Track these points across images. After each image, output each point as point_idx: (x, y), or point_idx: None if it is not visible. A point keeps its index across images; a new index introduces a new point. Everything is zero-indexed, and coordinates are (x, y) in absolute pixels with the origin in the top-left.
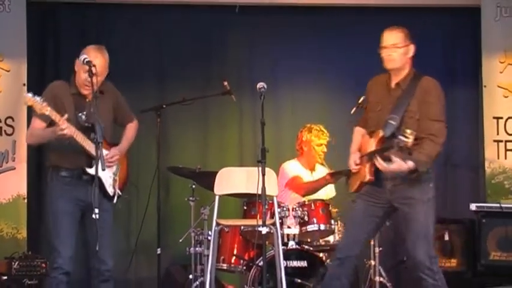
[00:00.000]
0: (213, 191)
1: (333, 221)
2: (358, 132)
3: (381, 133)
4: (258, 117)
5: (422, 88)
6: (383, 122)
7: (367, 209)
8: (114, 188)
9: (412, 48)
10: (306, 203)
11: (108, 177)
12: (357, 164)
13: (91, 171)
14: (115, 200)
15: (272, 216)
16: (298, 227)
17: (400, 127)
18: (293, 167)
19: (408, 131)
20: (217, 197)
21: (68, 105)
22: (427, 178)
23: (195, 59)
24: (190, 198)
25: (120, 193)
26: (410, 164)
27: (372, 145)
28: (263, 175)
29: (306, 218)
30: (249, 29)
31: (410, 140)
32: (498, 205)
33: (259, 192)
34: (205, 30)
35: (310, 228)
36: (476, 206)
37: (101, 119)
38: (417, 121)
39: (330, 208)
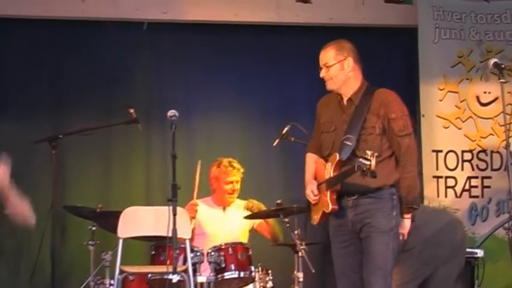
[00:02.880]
0: (116, 233)
1: (253, 268)
2: (310, 158)
3: (337, 157)
4: (168, 149)
5: (378, 102)
6: (339, 144)
7: (344, 256)
8: None
9: (349, 61)
10: (223, 247)
11: None
12: (315, 195)
13: None
14: None
15: (184, 262)
16: (214, 274)
17: (358, 147)
18: (200, 206)
19: (369, 152)
20: (120, 241)
21: None
22: (390, 206)
23: (98, 83)
24: (90, 242)
25: None
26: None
27: (329, 171)
28: (174, 215)
29: (222, 264)
30: (159, 49)
31: (373, 163)
32: None
33: (170, 234)
34: (109, 49)
35: (227, 275)
36: None
37: None
38: (379, 136)
39: (250, 252)
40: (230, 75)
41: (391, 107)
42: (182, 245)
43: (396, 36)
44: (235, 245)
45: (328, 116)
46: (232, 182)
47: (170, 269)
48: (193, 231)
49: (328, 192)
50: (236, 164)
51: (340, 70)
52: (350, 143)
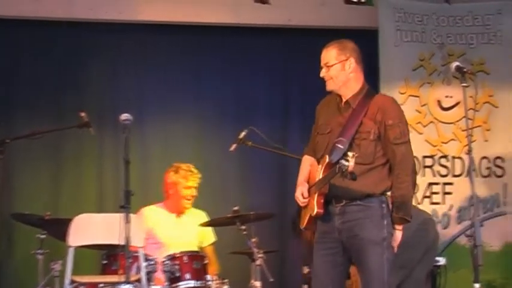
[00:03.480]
0: (66, 242)
1: (209, 277)
2: (306, 161)
3: (327, 159)
4: (121, 154)
5: (376, 106)
6: (332, 146)
7: (326, 264)
8: None
9: (351, 62)
10: (178, 255)
11: None
12: (305, 197)
13: None
14: None
15: (137, 271)
16: (168, 283)
17: (350, 151)
18: (152, 213)
19: (350, 154)
20: (71, 249)
21: None
22: (379, 214)
23: (47, 86)
24: (38, 251)
25: None
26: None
27: (319, 173)
28: (127, 223)
29: (177, 273)
30: (111, 50)
31: (351, 164)
32: None
33: (122, 243)
34: (59, 50)
35: (182, 285)
36: None
37: None
38: (373, 142)
39: (206, 261)
40: (186, 77)
41: (389, 112)
42: (135, 254)
43: (357, 38)
44: (190, 254)
45: (325, 117)
46: (191, 187)
47: (123, 279)
48: (145, 239)
49: (316, 195)
50: (194, 169)
51: (341, 70)
52: (342, 146)
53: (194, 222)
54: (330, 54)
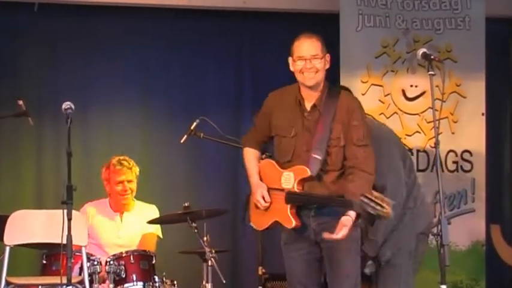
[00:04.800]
0: (2, 240)
1: (157, 278)
2: (252, 155)
3: (308, 172)
4: (63, 146)
5: (343, 109)
6: (301, 152)
7: (303, 262)
8: None
9: (328, 59)
10: (123, 255)
11: None
12: (267, 201)
13: None
14: None
15: (80, 272)
16: (113, 285)
17: (325, 161)
18: (95, 210)
19: (387, 201)
20: (7, 248)
21: None
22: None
23: None
24: None
25: None
26: (352, 214)
27: (290, 182)
28: (69, 220)
29: (122, 274)
30: (52, 34)
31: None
32: None
33: (64, 241)
34: None
35: (128, 286)
36: None
37: None
38: (341, 148)
39: (154, 261)
40: (133, 65)
41: (356, 113)
42: (78, 253)
43: (317, 23)
44: (137, 253)
45: (285, 118)
46: (122, 182)
47: (64, 280)
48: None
49: (289, 207)
50: (127, 162)
51: (324, 65)
52: (319, 157)
53: (141, 220)
54: (317, 46)
